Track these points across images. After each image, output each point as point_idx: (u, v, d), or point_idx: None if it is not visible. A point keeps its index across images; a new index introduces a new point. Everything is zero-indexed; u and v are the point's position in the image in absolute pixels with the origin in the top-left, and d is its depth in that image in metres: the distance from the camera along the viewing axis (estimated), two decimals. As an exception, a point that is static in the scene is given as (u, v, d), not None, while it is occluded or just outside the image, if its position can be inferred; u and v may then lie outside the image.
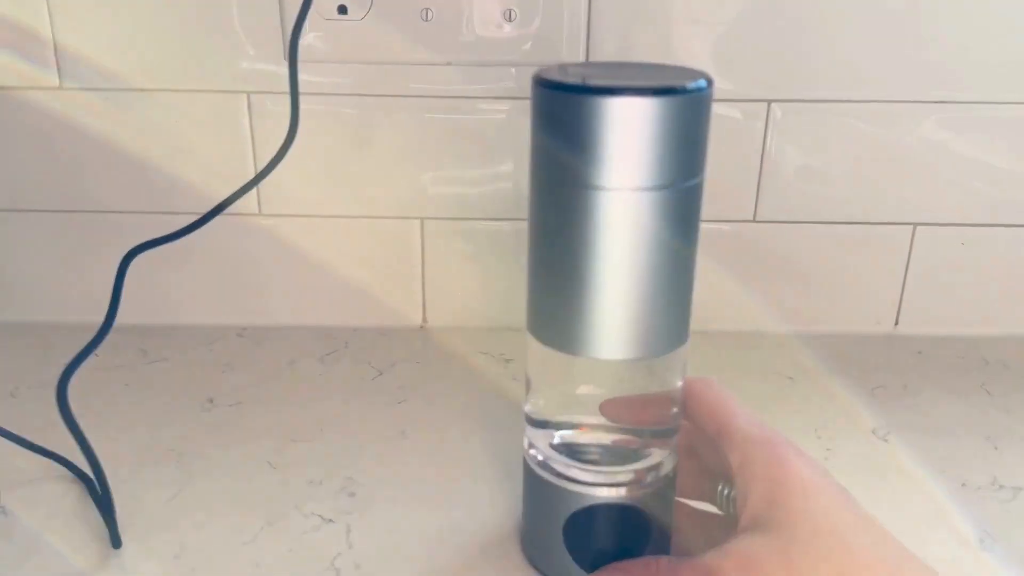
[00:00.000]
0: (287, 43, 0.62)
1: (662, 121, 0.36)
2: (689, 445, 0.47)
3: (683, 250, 0.39)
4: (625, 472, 0.42)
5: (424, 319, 0.71)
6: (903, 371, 0.65)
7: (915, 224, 0.68)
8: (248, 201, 0.66)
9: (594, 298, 0.39)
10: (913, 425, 0.58)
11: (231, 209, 0.66)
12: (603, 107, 0.36)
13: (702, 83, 0.37)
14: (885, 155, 0.66)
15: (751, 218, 0.68)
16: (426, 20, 0.61)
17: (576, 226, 0.38)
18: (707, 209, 0.68)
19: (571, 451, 0.43)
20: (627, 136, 0.36)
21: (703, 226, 0.68)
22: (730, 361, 0.66)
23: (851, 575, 0.34)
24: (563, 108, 0.37)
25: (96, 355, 0.66)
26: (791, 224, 0.68)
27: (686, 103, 0.36)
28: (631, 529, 0.43)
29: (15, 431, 0.50)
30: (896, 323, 0.71)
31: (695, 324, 0.69)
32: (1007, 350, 0.68)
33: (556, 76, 0.37)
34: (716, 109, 0.65)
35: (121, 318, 0.70)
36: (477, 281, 0.69)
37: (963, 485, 0.52)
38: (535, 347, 0.42)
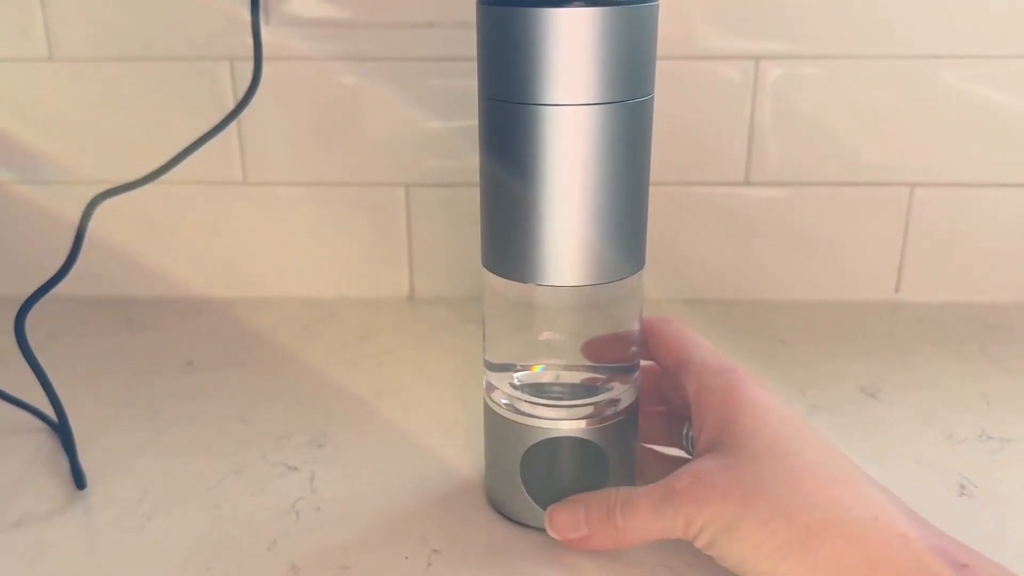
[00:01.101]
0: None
1: (604, 33, 0.35)
2: (656, 390, 0.46)
3: (633, 170, 0.38)
4: (584, 406, 0.41)
5: (412, 289, 0.70)
6: (900, 334, 0.63)
7: (913, 185, 0.66)
8: (232, 169, 0.67)
9: (542, 221, 0.38)
10: (904, 383, 0.56)
11: (215, 178, 0.67)
12: (544, 19, 0.35)
13: (646, -6, 0.36)
14: (880, 112, 0.64)
15: (743, 181, 0.66)
16: (405, -20, 0.61)
17: (522, 145, 0.37)
18: (696, 172, 0.68)
19: (529, 390, 0.42)
20: (569, 49, 0.35)
21: (692, 189, 0.68)
22: (721, 327, 0.65)
23: (801, 490, 0.33)
24: (506, 24, 0.36)
25: (81, 324, 0.67)
26: (784, 186, 0.66)
27: (629, 14, 0.36)
28: (591, 464, 0.41)
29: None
30: (896, 289, 0.68)
31: (685, 291, 0.69)
32: (1013, 315, 0.65)
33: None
34: (703, 66, 0.64)
35: (108, 290, 0.71)
36: (466, 250, 0.69)
37: (949, 437, 0.50)
38: (488, 281, 0.41)
